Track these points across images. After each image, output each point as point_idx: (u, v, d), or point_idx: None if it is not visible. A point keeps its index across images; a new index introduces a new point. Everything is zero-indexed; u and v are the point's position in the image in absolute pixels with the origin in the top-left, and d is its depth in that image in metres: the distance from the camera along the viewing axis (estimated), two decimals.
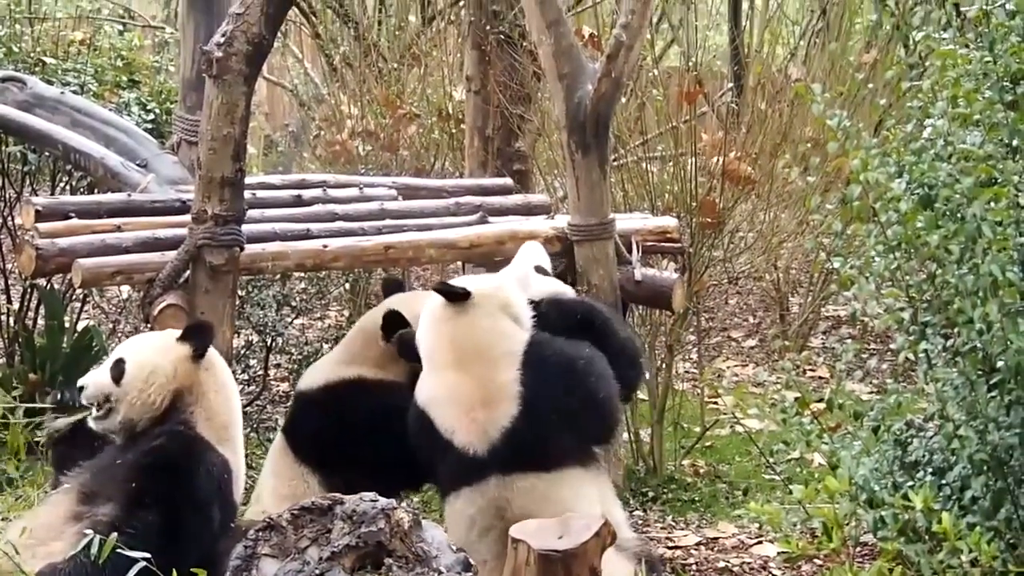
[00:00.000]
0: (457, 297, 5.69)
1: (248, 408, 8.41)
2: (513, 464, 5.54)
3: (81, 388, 5.54)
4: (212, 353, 5.60)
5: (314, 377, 6.37)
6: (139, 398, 5.44)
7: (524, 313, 5.80)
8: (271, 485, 6.26)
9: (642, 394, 8.54)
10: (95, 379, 5.55)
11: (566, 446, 5.66)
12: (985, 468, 5.01)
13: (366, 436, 6.08)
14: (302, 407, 6.36)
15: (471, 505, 5.58)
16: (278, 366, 9.26)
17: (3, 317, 8.57)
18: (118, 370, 5.49)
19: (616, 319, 6.20)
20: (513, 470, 5.54)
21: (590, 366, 5.74)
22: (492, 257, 6.88)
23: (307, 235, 6.54)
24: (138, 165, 6.97)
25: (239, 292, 7.25)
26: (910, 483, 5.20)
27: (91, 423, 5.52)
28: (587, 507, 5.44)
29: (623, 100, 9.01)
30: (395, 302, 6.34)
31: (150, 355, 5.53)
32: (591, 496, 5.61)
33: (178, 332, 5.61)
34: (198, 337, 5.54)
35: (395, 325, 6.12)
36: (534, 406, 5.59)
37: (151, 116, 8.64)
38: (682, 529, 7.41)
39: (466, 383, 5.63)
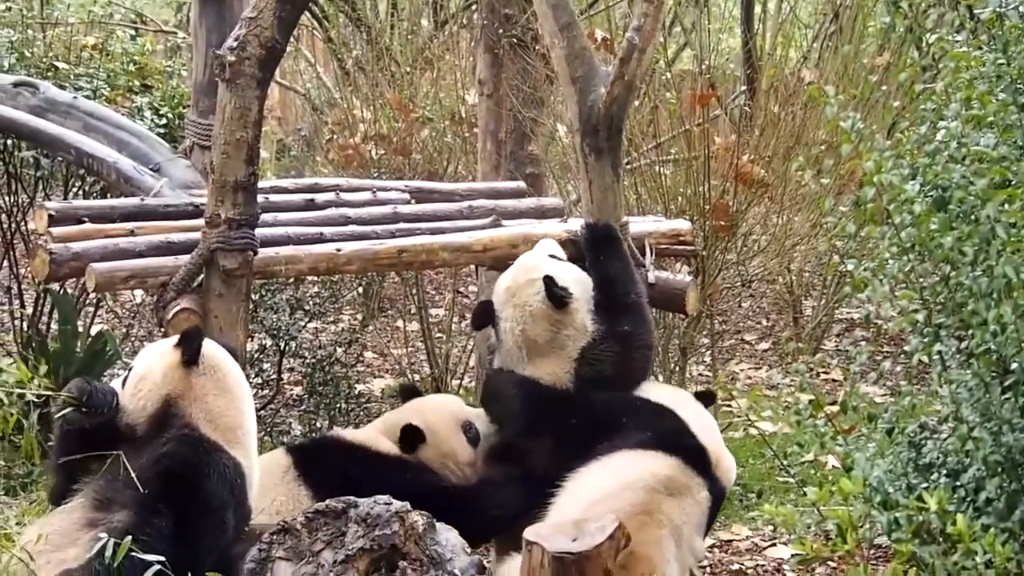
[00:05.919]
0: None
1: (262, 412, 8.42)
2: None
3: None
4: (217, 357, 5.55)
5: (354, 434, 6.33)
6: (132, 401, 5.44)
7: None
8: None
9: None
10: (115, 383, 5.57)
11: None
12: (999, 470, 5.00)
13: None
14: (334, 450, 6.23)
15: None
16: (291, 370, 9.27)
17: (17, 322, 8.59)
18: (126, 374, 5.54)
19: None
20: None
21: None
22: (505, 260, 6.88)
23: (320, 239, 6.53)
24: (151, 169, 6.96)
25: (252, 296, 7.25)
26: (924, 485, 5.19)
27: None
28: None
29: (636, 103, 9.01)
30: (414, 411, 6.32)
31: (147, 360, 5.54)
32: None
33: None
34: (186, 343, 5.51)
35: (412, 438, 6.12)
36: None
37: (163, 120, 8.67)
38: None
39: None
